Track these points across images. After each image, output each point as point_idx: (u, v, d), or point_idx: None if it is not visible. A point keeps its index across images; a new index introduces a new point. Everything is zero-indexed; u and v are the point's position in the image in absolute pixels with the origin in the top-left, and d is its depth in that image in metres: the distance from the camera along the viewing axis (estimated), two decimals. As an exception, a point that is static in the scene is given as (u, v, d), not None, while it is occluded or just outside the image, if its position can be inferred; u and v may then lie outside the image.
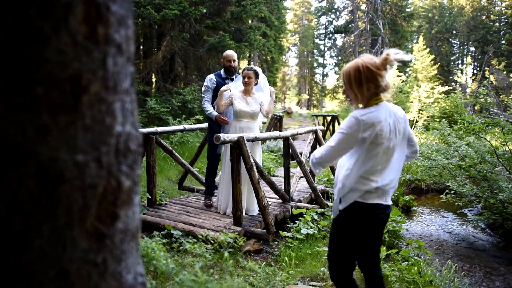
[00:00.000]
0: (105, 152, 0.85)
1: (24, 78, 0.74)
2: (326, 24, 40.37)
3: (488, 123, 5.88)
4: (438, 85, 22.49)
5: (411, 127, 17.51)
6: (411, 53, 32.09)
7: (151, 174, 4.91)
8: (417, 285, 3.15)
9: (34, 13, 0.73)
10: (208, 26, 11.72)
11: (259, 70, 4.72)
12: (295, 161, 5.64)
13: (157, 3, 10.55)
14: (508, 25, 34.73)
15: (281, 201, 5.18)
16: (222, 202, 4.69)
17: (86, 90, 0.79)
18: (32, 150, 0.77)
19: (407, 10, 33.66)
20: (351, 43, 35.13)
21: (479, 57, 37.26)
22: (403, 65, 29.10)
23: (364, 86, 1.99)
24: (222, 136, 3.93)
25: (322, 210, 5.00)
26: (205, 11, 11.88)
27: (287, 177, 5.28)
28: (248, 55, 22.46)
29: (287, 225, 4.67)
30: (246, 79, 4.54)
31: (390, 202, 2.16)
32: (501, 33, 35.79)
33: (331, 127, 15.23)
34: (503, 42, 34.65)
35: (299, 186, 6.03)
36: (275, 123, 11.59)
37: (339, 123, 14.86)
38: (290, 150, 5.30)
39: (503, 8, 36.45)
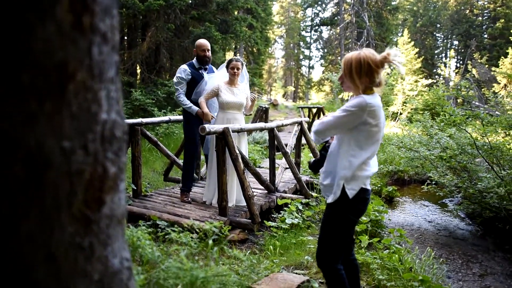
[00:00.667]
0: (91, 139, 0.87)
1: (11, 66, 0.76)
2: (312, 16, 40.45)
3: (468, 115, 6.03)
4: (422, 78, 22.83)
5: (395, 120, 17.79)
6: (396, 46, 32.36)
7: (136, 165, 4.90)
8: (398, 272, 3.25)
9: (20, 2, 0.74)
10: (193, 17, 11.61)
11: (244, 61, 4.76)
12: (280, 152, 5.70)
13: (142, -8, 10.40)
14: (491, 19, 35.32)
15: (266, 191, 5.23)
16: (209, 193, 4.72)
17: (72, 78, 0.81)
18: (20, 137, 0.79)
19: (393, 3, 33.86)
20: (337, 35, 35.29)
21: (462, 50, 37.84)
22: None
23: (362, 78, 2.10)
24: (208, 127, 3.94)
25: (307, 200, 5.08)
26: (190, 1, 11.77)
27: (272, 168, 5.33)
28: (234, 46, 22.38)
29: (272, 215, 4.73)
30: (235, 70, 4.54)
31: None
32: (483, 27, 36.40)
33: (316, 119, 15.33)
34: (486, 36, 35.25)
35: (284, 177, 6.11)
36: (261, 115, 11.63)
37: (324, 115, 14.95)
38: (276, 142, 5.35)
39: (485, 3, 37.01)
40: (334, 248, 2.26)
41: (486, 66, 24.60)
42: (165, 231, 3.15)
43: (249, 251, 3.49)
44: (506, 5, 32.86)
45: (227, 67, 4.63)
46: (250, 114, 5.01)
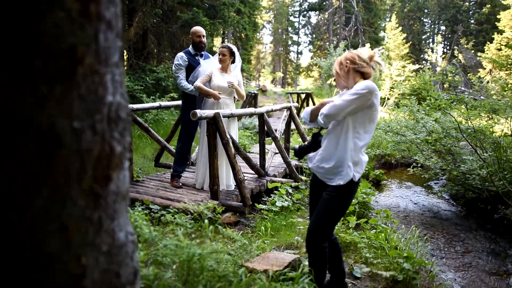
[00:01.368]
0: (99, 120, 0.93)
1: (24, 52, 0.82)
2: (301, 1, 40.19)
3: (453, 100, 6.17)
4: (409, 63, 23.00)
5: (382, 105, 17.98)
6: (384, 32, 32.47)
7: (127, 151, 4.93)
8: (384, 250, 3.39)
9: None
10: (181, 2, 11.50)
11: (234, 48, 4.77)
12: (270, 137, 5.77)
13: (128, -23, 10.26)
14: (477, 5, 35.55)
15: (256, 176, 5.33)
16: (199, 177, 4.79)
17: (81, 62, 0.87)
18: (32, 117, 0.85)
19: (381, -12, 33.84)
20: (325, 20, 35.19)
21: (449, 36, 38.15)
22: (376, 43, 29.46)
23: (352, 74, 2.31)
24: (199, 112, 4.00)
25: (296, 184, 5.19)
26: (178, -14, 11.64)
27: (262, 153, 5.41)
28: (222, 32, 22.19)
29: (263, 198, 4.84)
30: (220, 56, 4.63)
31: None
32: (470, 12, 36.64)
33: (305, 104, 15.42)
34: (472, 21, 35.53)
35: (274, 162, 6.20)
36: (250, 100, 11.66)
37: (313, 101, 15.04)
38: (265, 127, 5.42)
39: (472, -12, 37.18)
40: (328, 228, 2.37)
41: (472, 51, 24.88)
42: (160, 213, 3.22)
43: (241, 233, 3.59)
44: (492, -10, 33.06)
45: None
46: (239, 100, 5.07)
